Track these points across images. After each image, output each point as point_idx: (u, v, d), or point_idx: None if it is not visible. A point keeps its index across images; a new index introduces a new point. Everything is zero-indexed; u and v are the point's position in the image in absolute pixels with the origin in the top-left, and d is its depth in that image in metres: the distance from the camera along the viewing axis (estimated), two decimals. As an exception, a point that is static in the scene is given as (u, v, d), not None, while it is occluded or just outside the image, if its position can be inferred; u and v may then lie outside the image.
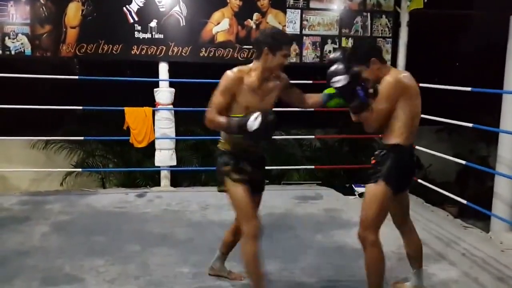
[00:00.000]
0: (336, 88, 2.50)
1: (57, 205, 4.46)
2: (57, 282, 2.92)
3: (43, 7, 4.84)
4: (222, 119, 2.44)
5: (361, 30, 5.39)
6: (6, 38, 4.80)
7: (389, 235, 3.84)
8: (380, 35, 5.44)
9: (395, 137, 2.49)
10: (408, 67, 5.37)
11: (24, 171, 6.40)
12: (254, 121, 2.35)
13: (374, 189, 2.50)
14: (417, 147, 5.09)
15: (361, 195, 4.99)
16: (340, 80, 2.45)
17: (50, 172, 6.55)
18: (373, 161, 2.57)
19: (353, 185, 5.18)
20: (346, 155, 7.15)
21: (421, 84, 4.67)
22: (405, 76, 2.51)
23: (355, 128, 6.77)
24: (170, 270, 3.10)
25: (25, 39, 4.85)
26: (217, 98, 2.48)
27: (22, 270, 3.06)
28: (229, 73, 2.49)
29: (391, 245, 3.62)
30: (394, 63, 5.43)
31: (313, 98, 2.75)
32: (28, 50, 4.87)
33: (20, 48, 4.86)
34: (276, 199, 4.86)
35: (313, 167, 6.10)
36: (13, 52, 4.85)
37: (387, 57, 5.46)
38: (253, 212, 2.54)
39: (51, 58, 5.13)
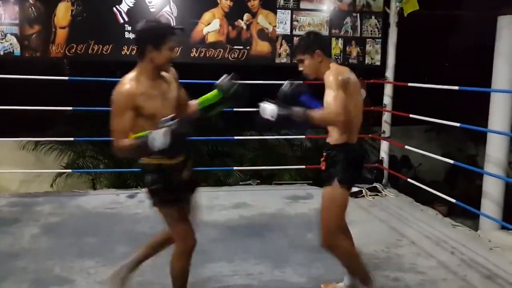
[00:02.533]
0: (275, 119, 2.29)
1: (47, 207, 4.43)
2: (47, 284, 2.91)
3: (32, 7, 4.80)
4: (127, 142, 2.12)
5: (350, 31, 5.42)
6: (-6, 38, 4.77)
7: (377, 234, 3.89)
8: (370, 35, 5.48)
9: (341, 136, 2.45)
10: (397, 67, 5.42)
11: (14, 172, 6.35)
12: (154, 142, 2.03)
13: (331, 193, 2.45)
14: (406, 146, 5.15)
15: (352, 194, 5.01)
16: (272, 110, 2.28)
17: (40, 174, 6.51)
18: (323, 163, 2.52)
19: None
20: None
21: (410, 84, 4.74)
22: (347, 70, 2.44)
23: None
24: (162, 271, 3.07)
25: (14, 39, 4.81)
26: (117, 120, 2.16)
27: (12, 272, 3.03)
28: (121, 90, 2.18)
29: (381, 243, 3.66)
30: (383, 63, 5.47)
31: (193, 107, 2.46)
32: (17, 51, 4.82)
33: (9, 48, 4.81)
34: (267, 199, 4.88)
35: (304, 167, 6.12)
36: (1, 53, 4.81)
37: (377, 57, 5.51)
38: (190, 229, 2.37)
39: (41, 59, 5.09)
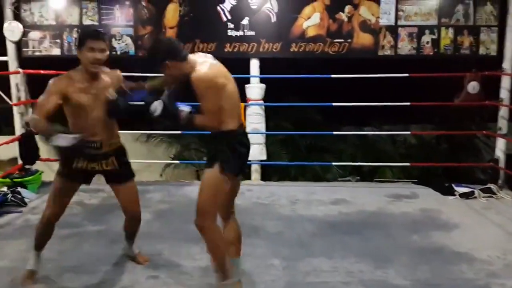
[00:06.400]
0: (158, 117, 2.47)
1: (157, 195, 4.76)
2: (158, 266, 3.13)
3: (145, 9, 5.18)
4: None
5: (462, 19, 5.03)
6: (113, 39, 5.22)
7: (491, 239, 3.57)
8: (484, 23, 5.04)
9: (225, 123, 2.47)
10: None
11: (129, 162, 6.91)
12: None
13: (209, 175, 2.51)
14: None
15: (462, 195, 4.67)
16: (157, 108, 2.45)
17: (151, 164, 7.00)
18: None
19: (452, 185, 4.85)
20: (445, 153, 6.73)
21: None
22: (208, 67, 2.43)
23: (454, 124, 6.40)
24: (261, 261, 3.16)
25: (129, 40, 5.23)
26: None
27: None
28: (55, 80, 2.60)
29: (496, 249, 3.36)
30: (500, 54, 5.01)
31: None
32: (131, 50, 5.25)
33: (125, 48, 5.25)
34: (367, 196, 4.74)
35: (408, 164, 5.83)
36: (118, 53, 5.26)
37: (492, 47, 5.05)
38: (64, 204, 2.81)
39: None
